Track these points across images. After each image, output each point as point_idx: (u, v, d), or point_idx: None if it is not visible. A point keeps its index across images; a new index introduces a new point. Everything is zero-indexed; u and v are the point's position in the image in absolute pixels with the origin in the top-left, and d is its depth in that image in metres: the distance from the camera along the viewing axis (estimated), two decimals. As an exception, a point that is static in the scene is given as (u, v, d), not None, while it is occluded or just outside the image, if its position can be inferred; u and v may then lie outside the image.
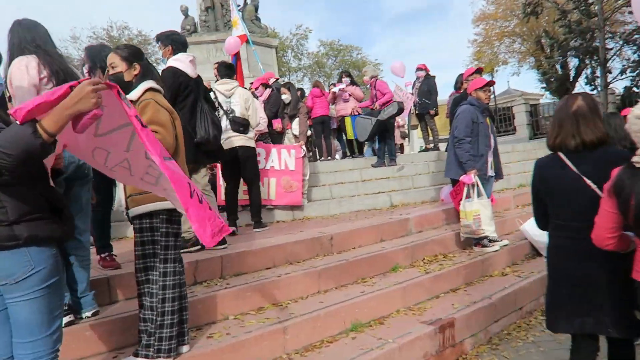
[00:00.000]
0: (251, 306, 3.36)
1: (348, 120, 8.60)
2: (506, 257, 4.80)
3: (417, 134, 13.52)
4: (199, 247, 4.12)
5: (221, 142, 5.23)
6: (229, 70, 5.39)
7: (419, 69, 9.24)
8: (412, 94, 9.17)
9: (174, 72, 4.01)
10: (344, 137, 9.36)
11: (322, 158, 9.48)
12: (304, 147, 6.19)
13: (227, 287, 3.41)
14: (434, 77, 9.16)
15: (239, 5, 14.59)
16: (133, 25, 27.61)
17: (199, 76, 4.33)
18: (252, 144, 5.34)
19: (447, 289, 4.10)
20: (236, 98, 5.22)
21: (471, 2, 38.61)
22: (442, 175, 6.58)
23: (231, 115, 5.21)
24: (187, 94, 4.09)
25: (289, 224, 5.80)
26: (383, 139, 7.70)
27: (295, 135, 6.27)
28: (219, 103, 5.26)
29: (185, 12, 15.03)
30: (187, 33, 14.81)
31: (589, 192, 2.07)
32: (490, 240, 4.72)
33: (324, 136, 9.58)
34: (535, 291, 4.23)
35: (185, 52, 4.31)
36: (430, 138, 9.46)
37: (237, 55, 9.10)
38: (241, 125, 5.21)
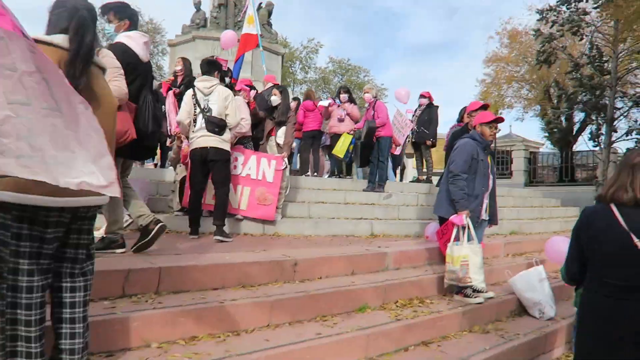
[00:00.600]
0: (182, 334, 2.78)
1: (346, 138, 8.11)
2: (490, 312, 4.26)
3: (411, 163, 13.07)
4: (123, 249, 3.59)
5: (193, 140, 4.76)
6: (209, 66, 4.91)
7: (422, 96, 8.82)
8: (412, 121, 8.73)
9: (124, 49, 3.50)
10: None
11: (308, 174, 8.96)
12: (286, 159, 5.67)
13: (158, 306, 2.84)
14: (436, 107, 8.74)
15: (260, 4, 14.32)
16: (145, 12, 26.99)
17: (149, 62, 3.85)
18: (226, 146, 4.83)
19: (418, 341, 3.55)
20: (215, 96, 4.75)
21: (486, 42, 38.84)
22: (430, 210, 6.06)
23: (207, 114, 4.71)
24: (133, 78, 3.53)
25: (255, 239, 5.24)
26: (375, 162, 7.23)
27: (278, 145, 5.76)
28: (196, 100, 4.77)
29: (197, 5, 14.74)
30: (195, 26, 14.46)
31: (636, 251, 1.95)
32: (474, 290, 4.19)
33: (313, 151, 9.10)
34: (520, 357, 3.70)
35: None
36: (424, 169, 9.00)
37: (242, 57, 8.68)
38: (217, 125, 4.72)
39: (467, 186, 4.06)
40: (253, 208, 5.63)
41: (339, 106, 8.06)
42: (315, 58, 31.98)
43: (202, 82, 4.79)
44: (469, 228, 4.00)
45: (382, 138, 7.23)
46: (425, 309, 3.86)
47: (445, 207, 4.23)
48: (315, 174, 9.45)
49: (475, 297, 4.16)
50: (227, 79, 7.56)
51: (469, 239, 4.04)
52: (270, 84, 7.92)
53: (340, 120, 7.97)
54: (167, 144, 7.03)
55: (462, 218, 3.96)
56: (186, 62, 6.67)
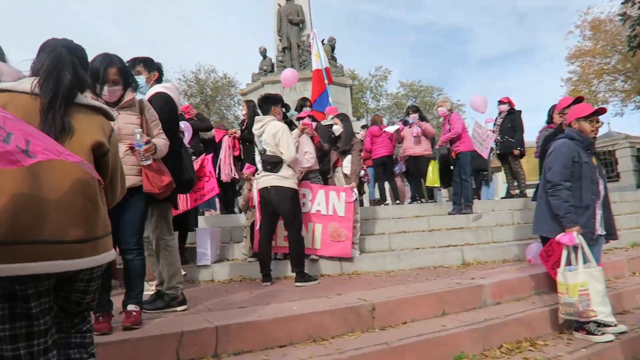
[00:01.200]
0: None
1: (434, 165, 7.54)
2: (625, 352, 3.38)
3: (501, 177, 11.97)
4: (184, 307, 3.33)
5: (256, 183, 4.57)
6: (265, 104, 4.72)
7: (500, 102, 8.00)
8: (493, 131, 7.91)
9: (166, 99, 3.41)
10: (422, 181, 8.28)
11: (387, 202, 8.44)
12: (355, 190, 5.25)
13: (216, 373, 2.50)
14: (519, 112, 7.86)
15: (323, 40, 14.54)
16: (219, 68, 28.75)
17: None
18: (287, 183, 4.55)
19: (535, 397, 2.85)
20: (265, 135, 4.55)
21: (565, 39, 36.03)
22: (529, 228, 5.27)
23: (263, 154, 4.54)
24: (176, 126, 3.60)
25: (332, 281, 4.81)
26: (458, 181, 6.57)
27: (345, 175, 5.37)
28: (255, 143, 4.62)
29: (263, 53, 15.22)
30: (263, 73, 14.91)
31: None
32: (599, 325, 3.37)
33: (387, 178, 8.60)
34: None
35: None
36: (515, 183, 8.06)
37: (326, 91, 8.57)
38: (269, 163, 4.51)
39: (573, 196, 3.33)
40: (327, 246, 5.24)
41: (411, 125, 7.53)
42: (385, 85, 31.68)
43: (256, 124, 4.65)
44: (582, 248, 3.24)
45: (462, 154, 6.58)
46: (539, 355, 3.12)
47: (548, 225, 3.50)
48: (397, 201, 8.90)
49: (602, 333, 3.33)
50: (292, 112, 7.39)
51: (585, 261, 3.26)
52: (330, 116, 7.64)
53: (417, 137, 7.42)
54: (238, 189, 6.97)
55: (573, 236, 3.22)
56: (250, 104, 6.63)
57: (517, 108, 7.99)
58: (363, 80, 31.73)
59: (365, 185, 9.56)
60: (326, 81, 8.48)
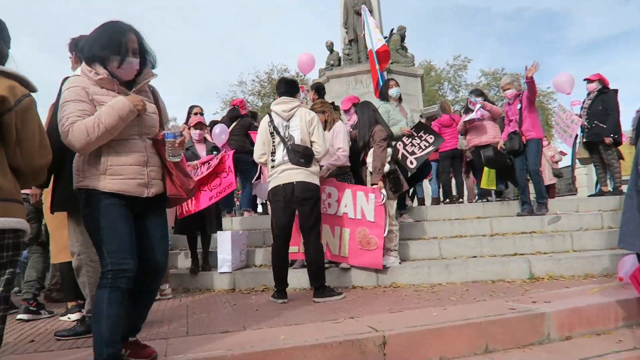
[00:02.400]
0: None
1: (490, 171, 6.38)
2: None
3: (588, 173, 10.28)
4: None
5: (273, 176, 3.96)
6: (289, 87, 4.07)
7: (589, 80, 6.61)
8: (580, 115, 6.58)
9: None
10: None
11: (447, 200, 7.41)
12: (383, 190, 4.40)
13: None
14: (614, 91, 6.42)
15: (392, 30, 13.79)
16: (292, 68, 28.67)
17: None
18: (315, 180, 3.87)
19: None
20: (296, 121, 3.90)
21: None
22: (622, 235, 4.08)
23: (289, 143, 3.85)
24: None
25: (363, 295, 4.05)
26: (524, 174, 5.49)
27: (371, 173, 4.53)
28: (274, 127, 3.94)
29: (330, 47, 14.79)
30: (330, 68, 14.41)
31: None
32: None
33: (454, 174, 7.58)
34: None
35: None
36: (608, 177, 6.64)
37: (383, 74, 7.85)
38: (302, 155, 3.83)
39: None
40: (356, 254, 4.47)
41: (476, 110, 6.41)
42: (464, 75, 29.62)
43: (281, 105, 3.97)
44: None
45: (531, 141, 5.45)
46: None
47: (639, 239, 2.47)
48: (460, 200, 7.85)
49: None
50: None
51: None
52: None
53: (481, 119, 6.34)
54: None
55: None
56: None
57: (611, 87, 6.56)
58: (440, 70, 29.95)
59: (428, 182, 8.57)
60: (377, 67, 7.66)
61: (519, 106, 5.62)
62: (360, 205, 4.53)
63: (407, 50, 14.66)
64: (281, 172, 3.86)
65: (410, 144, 5.36)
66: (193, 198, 4.68)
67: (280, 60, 46.89)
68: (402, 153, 5.32)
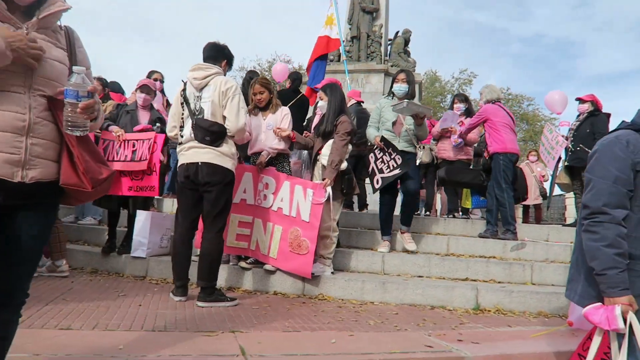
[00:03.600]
0: None
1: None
2: None
3: (572, 199, 9.72)
4: None
5: (180, 154, 3.39)
6: (212, 51, 3.44)
7: (581, 100, 6.04)
8: (567, 137, 6.03)
9: None
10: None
11: (418, 213, 6.87)
12: (329, 188, 3.82)
13: None
14: (605, 115, 5.86)
15: (397, 32, 13.31)
16: (295, 59, 28.09)
17: None
18: (226, 162, 3.27)
19: None
20: (209, 91, 3.29)
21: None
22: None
23: (197, 117, 3.27)
24: None
25: (278, 304, 3.49)
26: (492, 192, 4.92)
27: (324, 167, 3.98)
28: (184, 98, 3.38)
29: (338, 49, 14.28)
30: (329, 63, 13.90)
31: None
32: None
33: (426, 184, 7.03)
34: None
35: None
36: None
37: (321, 63, 7.35)
38: (207, 132, 3.23)
39: (628, 237, 1.70)
40: (285, 257, 3.90)
41: (454, 119, 5.87)
42: (468, 90, 29.05)
43: (195, 72, 3.35)
44: (633, 335, 1.61)
45: (497, 155, 4.91)
46: None
47: (580, 287, 1.89)
48: (428, 213, 7.31)
49: None
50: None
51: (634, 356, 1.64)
52: (354, 101, 6.23)
53: (448, 137, 5.82)
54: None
55: (616, 314, 1.60)
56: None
57: (604, 110, 6.01)
58: (445, 82, 29.43)
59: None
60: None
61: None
62: (297, 201, 3.95)
63: (409, 54, 14.15)
64: (187, 150, 3.29)
65: (380, 160, 4.48)
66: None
67: (284, 50, 46.06)
68: (372, 167, 4.52)
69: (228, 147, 3.30)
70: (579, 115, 6.08)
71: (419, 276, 4.25)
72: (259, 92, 4.08)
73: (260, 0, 54.26)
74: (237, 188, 4.02)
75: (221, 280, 3.92)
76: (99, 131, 4.17)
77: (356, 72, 12.63)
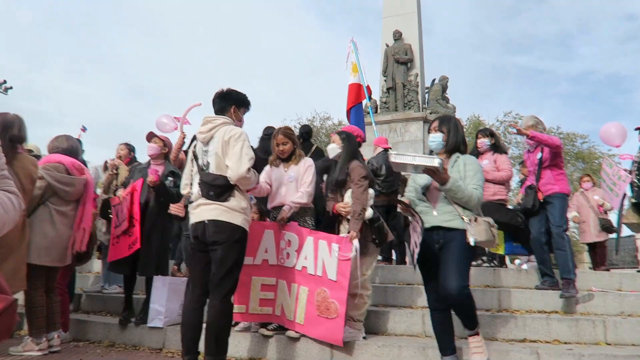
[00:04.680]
0: None
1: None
2: None
3: None
4: None
5: (191, 211, 3.16)
6: (222, 101, 3.21)
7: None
8: (630, 171, 5.36)
9: None
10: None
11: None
12: (356, 241, 3.41)
13: None
14: (673, 143, 5.19)
15: (434, 80, 13.03)
16: (334, 115, 28.49)
17: None
18: (235, 218, 2.97)
19: None
20: (214, 144, 3.06)
21: None
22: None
23: (204, 172, 3.06)
24: None
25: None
26: (542, 238, 4.30)
27: (346, 219, 3.59)
28: (194, 154, 3.20)
29: (369, 95, 14.38)
30: (367, 114, 13.97)
31: None
32: None
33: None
34: None
35: None
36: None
37: (358, 111, 7.19)
38: (212, 186, 2.98)
39: None
40: (312, 322, 3.46)
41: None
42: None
43: (201, 126, 3.17)
44: None
45: (552, 197, 4.28)
46: None
47: None
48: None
49: None
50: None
51: None
52: (380, 149, 5.91)
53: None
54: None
55: None
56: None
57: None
58: (490, 126, 28.65)
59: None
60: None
61: (539, 155, 4.45)
62: (322, 258, 3.55)
63: (448, 100, 14.00)
64: (195, 208, 3.04)
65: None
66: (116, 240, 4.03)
67: (322, 108, 46.90)
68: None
69: (237, 201, 3.01)
70: (640, 147, 5.42)
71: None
72: (282, 142, 3.85)
73: (300, 61, 56.64)
74: (257, 247, 3.71)
75: (242, 351, 3.57)
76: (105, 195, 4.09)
77: (394, 121, 12.54)
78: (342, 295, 3.38)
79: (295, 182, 3.81)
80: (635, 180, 5.24)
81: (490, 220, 2.88)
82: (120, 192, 4.15)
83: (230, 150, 2.96)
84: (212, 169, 3.02)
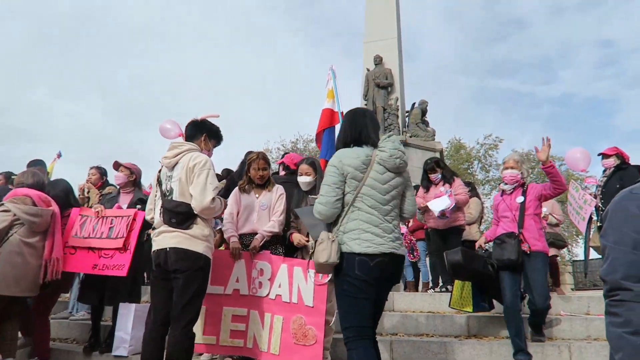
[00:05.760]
0: None
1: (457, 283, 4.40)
2: None
3: None
4: None
5: (154, 239, 3.13)
6: (193, 129, 3.25)
7: (604, 155, 5.59)
8: (595, 195, 5.51)
9: None
10: None
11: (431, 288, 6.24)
12: None
13: None
14: (635, 167, 5.35)
15: (414, 104, 13.26)
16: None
17: None
18: (197, 246, 2.95)
19: None
20: (178, 170, 3.05)
21: None
22: None
23: (166, 198, 3.05)
24: None
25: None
26: (515, 305, 3.75)
27: (306, 249, 3.61)
28: (158, 179, 3.20)
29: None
30: None
31: None
32: None
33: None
34: None
35: None
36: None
37: (328, 135, 7.17)
38: (174, 213, 2.97)
39: None
40: (289, 351, 3.42)
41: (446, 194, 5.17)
42: (495, 155, 28.59)
43: (166, 153, 3.16)
44: None
45: (538, 255, 3.76)
46: None
47: None
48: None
49: None
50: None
51: None
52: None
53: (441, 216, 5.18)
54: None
55: None
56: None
57: (632, 162, 5.51)
58: (470, 149, 29.12)
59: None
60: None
61: (519, 199, 3.90)
62: (297, 284, 3.55)
63: (427, 124, 14.27)
64: (157, 235, 3.03)
65: None
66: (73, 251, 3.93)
67: (306, 131, 47.22)
68: None
69: (199, 229, 2.99)
70: (604, 171, 5.60)
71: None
72: (263, 167, 3.84)
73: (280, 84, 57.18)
74: (228, 277, 3.70)
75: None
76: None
77: (375, 145, 12.63)
78: (320, 321, 3.38)
79: (268, 210, 3.81)
80: (600, 204, 5.38)
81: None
82: (97, 207, 4.10)
83: (195, 180, 2.95)
84: (176, 195, 3.01)
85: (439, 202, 5.15)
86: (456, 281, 4.29)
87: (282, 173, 4.88)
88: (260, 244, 3.70)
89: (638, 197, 1.34)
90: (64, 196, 4.15)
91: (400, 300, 4.86)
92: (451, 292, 4.38)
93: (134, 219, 3.99)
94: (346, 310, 2.43)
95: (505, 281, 3.74)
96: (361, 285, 2.38)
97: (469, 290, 4.23)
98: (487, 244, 4.35)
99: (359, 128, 2.61)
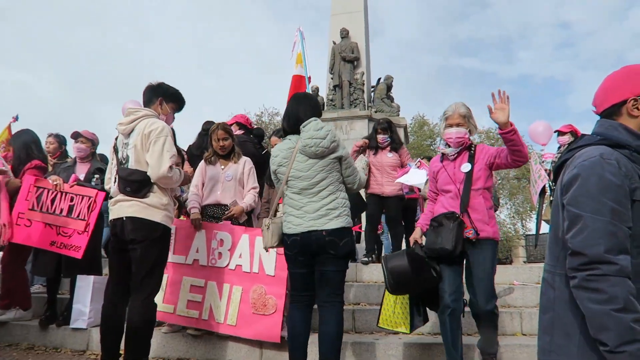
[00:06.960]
0: None
1: (389, 299, 3.24)
2: None
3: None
4: None
5: (111, 208, 3.03)
6: (149, 94, 3.08)
7: (559, 133, 5.79)
8: (549, 171, 5.72)
9: None
10: None
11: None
12: None
13: None
14: (588, 145, 5.57)
15: (379, 79, 13.25)
16: (283, 111, 28.28)
17: None
18: (154, 215, 2.86)
19: None
20: (134, 136, 2.91)
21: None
22: None
23: (123, 165, 2.93)
24: None
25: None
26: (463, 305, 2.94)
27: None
28: (114, 147, 3.07)
29: (315, 92, 14.36)
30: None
31: None
32: None
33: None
34: None
35: None
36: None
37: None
38: (129, 181, 2.86)
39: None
40: (247, 322, 3.45)
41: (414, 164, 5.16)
42: (456, 130, 29.19)
43: (122, 120, 3.01)
44: None
45: (486, 243, 2.90)
46: None
47: (576, 348, 1.34)
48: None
49: None
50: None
51: None
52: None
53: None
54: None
55: None
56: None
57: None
58: (434, 125, 29.62)
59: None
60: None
61: (466, 168, 2.97)
62: (259, 254, 3.56)
63: (392, 99, 14.28)
64: (114, 205, 2.92)
65: None
66: (28, 224, 3.77)
67: (271, 104, 46.51)
68: None
69: (157, 197, 2.89)
70: (559, 148, 5.81)
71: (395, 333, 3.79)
72: (223, 137, 3.77)
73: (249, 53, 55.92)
74: (189, 246, 3.67)
75: (170, 352, 3.50)
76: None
77: (340, 119, 12.64)
78: (281, 290, 3.42)
79: (233, 181, 3.76)
80: (551, 183, 5.58)
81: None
82: (55, 180, 3.91)
83: (151, 147, 2.83)
84: (131, 163, 2.89)
85: (416, 175, 4.61)
86: (386, 293, 3.15)
87: (239, 132, 4.82)
88: (241, 215, 3.70)
89: (612, 164, 1.29)
90: (23, 150, 4.10)
91: (363, 271, 4.96)
92: (380, 306, 3.26)
93: (94, 201, 3.85)
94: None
95: (446, 277, 2.88)
96: (289, 259, 2.81)
97: (406, 306, 3.15)
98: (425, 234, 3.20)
99: (293, 117, 2.83)
